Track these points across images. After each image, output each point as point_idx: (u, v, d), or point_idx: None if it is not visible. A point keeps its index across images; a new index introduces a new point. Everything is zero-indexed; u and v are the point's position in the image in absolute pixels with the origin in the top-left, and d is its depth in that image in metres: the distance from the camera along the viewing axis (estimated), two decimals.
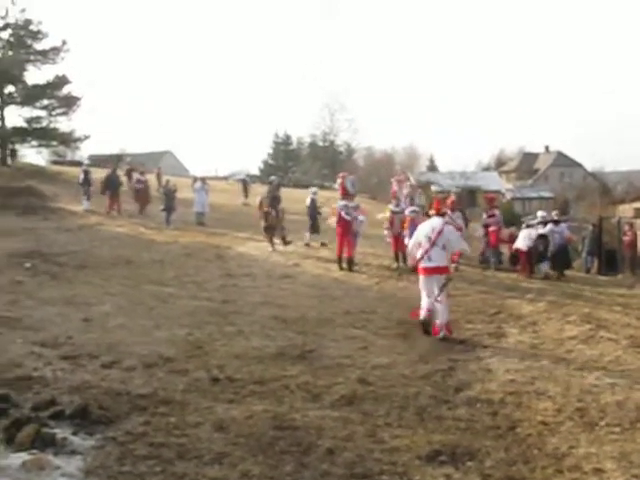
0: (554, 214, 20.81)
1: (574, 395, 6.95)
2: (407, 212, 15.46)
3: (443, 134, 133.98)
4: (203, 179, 26.16)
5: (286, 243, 18.30)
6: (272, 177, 24.11)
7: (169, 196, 23.01)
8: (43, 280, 12.16)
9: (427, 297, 9.59)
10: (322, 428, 5.65)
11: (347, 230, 15.50)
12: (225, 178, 61.35)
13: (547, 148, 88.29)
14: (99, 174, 26.47)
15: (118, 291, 11.56)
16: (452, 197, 20.10)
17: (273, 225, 18.14)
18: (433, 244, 9.53)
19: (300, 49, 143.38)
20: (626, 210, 28.43)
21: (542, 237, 18.04)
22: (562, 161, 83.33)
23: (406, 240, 15.35)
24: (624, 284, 18.65)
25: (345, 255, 15.36)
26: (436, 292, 9.51)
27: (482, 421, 6.10)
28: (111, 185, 24.81)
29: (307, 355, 8.01)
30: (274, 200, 18.60)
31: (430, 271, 9.57)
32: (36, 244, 15.85)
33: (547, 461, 5.31)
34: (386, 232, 16.57)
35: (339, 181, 16.54)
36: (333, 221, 15.97)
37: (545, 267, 18.06)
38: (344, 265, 15.18)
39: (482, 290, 13.77)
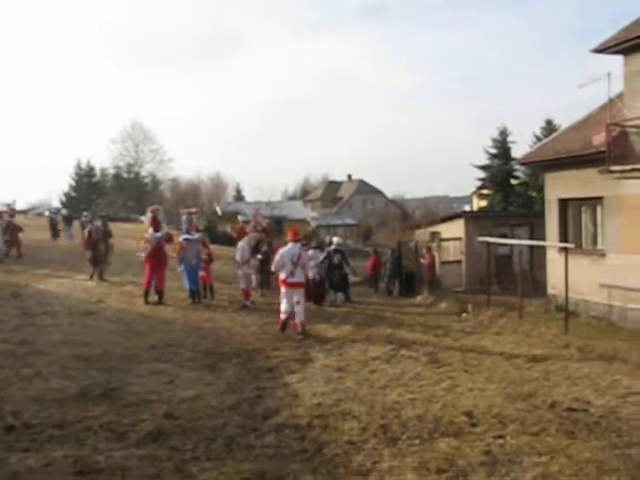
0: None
1: (378, 413, 7.20)
2: (180, 238, 15.66)
3: (249, 163, 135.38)
4: None
5: (102, 279, 18.10)
6: (63, 211, 23.65)
7: None
8: None
9: (286, 304, 12.41)
10: (127, 468, 5.40)
11: (160, 263, 15.28)
12: (24, 212, 58.56)
13: (350, 177, 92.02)
14: None
15: None
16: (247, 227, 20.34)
17: (102, 258, 18.40)
18: (296, 265, 12.35)
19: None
20: (423, 234, 30.16)
21: (338, 266, 18.69)
22: (364, 189, 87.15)
23: (179, 268, 15.52)
24: (423, 304, 19.80)
25: (158, 288, 15.12)
26: (295, 299, 12.36)
27: (290, 446, 6.13)
28: None
29: (111, 393, 7.67)
30: (106, 234, 18.82)
31: (293, 285, 12.44)
32: None
33: (353, 478, 5.44)
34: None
35: (149, 215, 16.10)
36: (143, 253, 15.50)
37: (341, 296, 18.66)
38: (150, 298, 14.87)
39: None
